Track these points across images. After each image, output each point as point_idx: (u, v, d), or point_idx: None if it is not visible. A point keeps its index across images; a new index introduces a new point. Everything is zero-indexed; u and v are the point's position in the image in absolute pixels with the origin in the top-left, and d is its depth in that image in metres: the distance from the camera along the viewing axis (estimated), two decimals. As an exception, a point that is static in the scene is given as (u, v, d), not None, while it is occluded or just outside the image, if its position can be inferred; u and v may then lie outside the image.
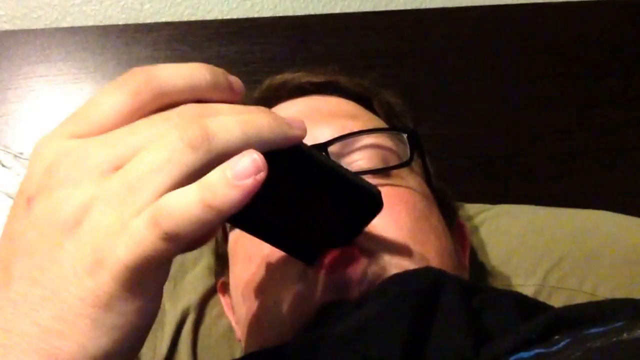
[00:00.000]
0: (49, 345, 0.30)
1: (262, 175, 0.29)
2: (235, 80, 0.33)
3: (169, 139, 0.29)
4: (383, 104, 0.62)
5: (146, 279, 0.30)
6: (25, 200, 0.31)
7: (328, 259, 0.45)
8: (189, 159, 0.29)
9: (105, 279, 0.29)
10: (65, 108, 0.86)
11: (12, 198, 0.74)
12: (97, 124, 0.31)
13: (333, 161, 0.40)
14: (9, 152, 0.80)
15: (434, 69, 0.89)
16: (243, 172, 0.29)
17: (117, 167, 0.30)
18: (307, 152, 0.37)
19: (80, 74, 0.87)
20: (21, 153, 0.80)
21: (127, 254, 0.29)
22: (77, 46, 0.87)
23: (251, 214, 0.32)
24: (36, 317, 0.30)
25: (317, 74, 0.62)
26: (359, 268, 0.45)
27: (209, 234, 0.36)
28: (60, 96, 0.86)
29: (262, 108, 0.33)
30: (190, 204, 0.29)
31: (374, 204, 0.42)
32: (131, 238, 0.29)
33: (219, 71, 0.33)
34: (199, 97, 0.32)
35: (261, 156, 0.30)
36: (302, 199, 0.39)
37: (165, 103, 0.31)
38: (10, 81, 0.86)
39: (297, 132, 0.33)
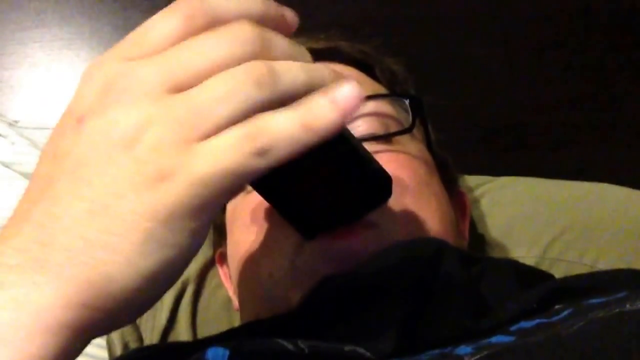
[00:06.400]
0: (92, 258, 0.29)
1: (358, 99, 0.31)
2: (289, 13, 0.33)
3: (235, 72, 0.30)
4: (385, 70, 0.61)
5: (214, 198, 0.30)
6: (75, 119, 0.31)
7: (328, 232, 0.44)
8: (254, 94, 0.29)
9: (171, 193, 0.29)
10: (61, 74, 0.85)
11: (7, 167, 0.73)
12: (150, 47, 0.31)
13: (355, 137, 0.40)
14: (4, 120, 0.79)
15: (437, 38, 0.89)
16: (343, 98, 0.30)
17: (174, 88, 0.30)
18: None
19: (76, 40, 0.86)
20: (16, 121, 0.79)
21: (207, 167, 0.29)
22: (73, 11, 0.86)
23: (272, 179, 0.31)
24: (81, 230, 0.29)
25: (318, 39, 0.61)
26: (360, 240, 0.45)
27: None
28: (56, 62, 0.86)
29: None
30: (288, 123, 0.30)
31: (384, 191, 0.41)
32: (214, 152, 0.29)
33: (272, 3, 0.33)
34: None
35: (357, 84, 0.31)
36: (317, 171, 0.38)
37: None
38: (5, 47, 0.85)
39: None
